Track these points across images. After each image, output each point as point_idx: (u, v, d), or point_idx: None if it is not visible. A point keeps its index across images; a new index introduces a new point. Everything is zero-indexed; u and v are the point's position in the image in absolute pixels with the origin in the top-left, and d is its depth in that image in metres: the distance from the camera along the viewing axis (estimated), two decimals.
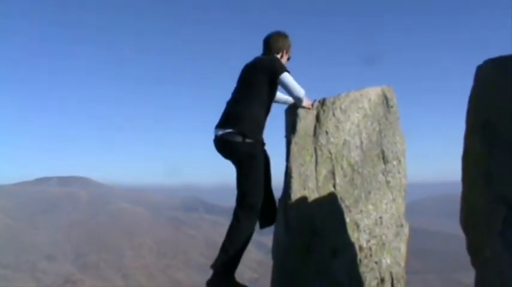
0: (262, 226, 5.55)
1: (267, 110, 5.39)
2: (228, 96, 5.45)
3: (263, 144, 5.35)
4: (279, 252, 5.22)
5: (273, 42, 5.52)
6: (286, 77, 5.13)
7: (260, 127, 5.32)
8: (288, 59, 5.65)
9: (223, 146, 5.30)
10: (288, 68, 5.22)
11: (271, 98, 5.38)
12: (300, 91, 5.13)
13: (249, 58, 5.51)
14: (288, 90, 5.18)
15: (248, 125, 5.18)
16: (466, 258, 3.59)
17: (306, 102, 5.30)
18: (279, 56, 5.50)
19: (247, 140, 5.14)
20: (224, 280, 5.20)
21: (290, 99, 5.50)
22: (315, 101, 5.40)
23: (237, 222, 5.21)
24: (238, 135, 5.14)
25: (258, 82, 5.26)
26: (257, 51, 5.61)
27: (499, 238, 3.00)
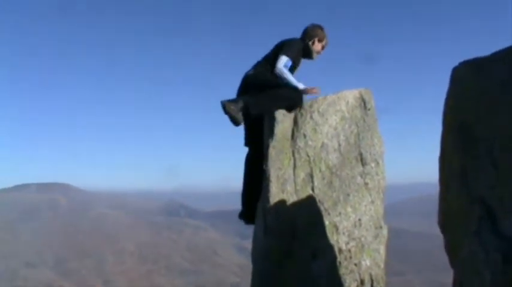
0: (249, 222, 5.81)
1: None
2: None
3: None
4: (258, 255, 5.22)
5: (309, 30, 6.10)
6: (281, 58, 5.63)
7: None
8: (322, 47, 6.14)
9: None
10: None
11: None
12: (281, 70, 5.58)
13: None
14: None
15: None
16: (447, 258, 3.61)
17: (302, 86, 5.61)
18: (310, 42, 6.02)
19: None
20: (236, 106, 5.46)
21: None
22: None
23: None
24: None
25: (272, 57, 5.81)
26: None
27: (475, 237, 3.02)
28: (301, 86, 5.60)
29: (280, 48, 5.77)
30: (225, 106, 5.36)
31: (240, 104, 5.38)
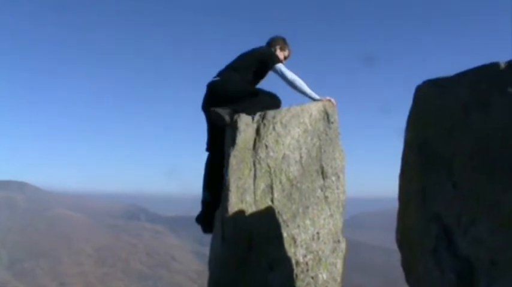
0: (206, 231, 5.82)
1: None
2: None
3: None
4: (215, 265, 5.19)
5: (271, 40, 6.25)
6: (281, 68, 5.70)
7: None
8: (285, 58, 6.16)
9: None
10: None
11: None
12: (295, 78, 5.66)
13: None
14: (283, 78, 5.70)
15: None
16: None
17: (319, 97, 5.75)
18: (273, 49, 6.09)
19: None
20: (224, 110, 5.47)
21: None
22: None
23: None
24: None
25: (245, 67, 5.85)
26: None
27: (431, 256, 3.03)
28: (317, 96, 5.71)
29: (256, 59, 5.83)
30: (211, 112, 5.39)
31: (228, 110, 5.40)
